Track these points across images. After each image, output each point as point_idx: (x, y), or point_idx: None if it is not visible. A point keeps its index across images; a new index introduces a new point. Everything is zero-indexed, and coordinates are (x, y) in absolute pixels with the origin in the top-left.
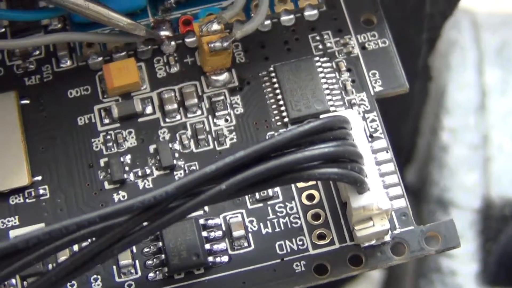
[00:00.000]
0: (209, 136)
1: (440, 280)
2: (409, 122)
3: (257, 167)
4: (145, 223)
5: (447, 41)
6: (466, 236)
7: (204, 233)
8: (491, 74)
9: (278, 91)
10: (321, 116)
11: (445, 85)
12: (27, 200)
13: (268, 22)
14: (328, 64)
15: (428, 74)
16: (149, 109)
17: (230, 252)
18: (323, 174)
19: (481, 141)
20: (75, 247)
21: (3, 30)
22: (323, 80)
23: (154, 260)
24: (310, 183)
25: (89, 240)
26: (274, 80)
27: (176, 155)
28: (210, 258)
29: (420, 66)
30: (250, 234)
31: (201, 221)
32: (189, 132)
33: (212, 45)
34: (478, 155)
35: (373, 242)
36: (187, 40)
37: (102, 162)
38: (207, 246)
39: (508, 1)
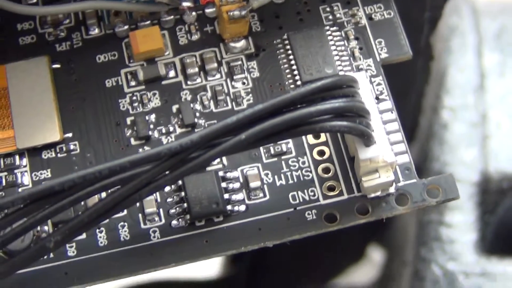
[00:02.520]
0: (228, 98)
1: (440, 247)
2: (411, 100)
3: (274, 119)
4: (169, 171)
5: (448, 27)
6: (466, 208)
7: (223, 184)
8: (490, 57)
9: (291, 57)
10: None
11: (446, 67)
12: (59, 155)
13: None
14: (338, 33)
15: (430, 53)
16: (172, 73)
17: (247, 201)
18: (334, 127)
19: (480, 120)
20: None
21: (34, 0)
22: (333, 48)
23: (177, 208)
24: (321, 139)
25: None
26: (288, 47)
27: (197, 114)
28: (229, 207)
29: (423, 44)
30: (265, 186)
31: (220, 174)
32: (209, 94)
33: (231, 13)
34: (477, 133)
35: (378, 193)
36: (207, 10)
37: (128, 120)
38: (226, 196)
39: None
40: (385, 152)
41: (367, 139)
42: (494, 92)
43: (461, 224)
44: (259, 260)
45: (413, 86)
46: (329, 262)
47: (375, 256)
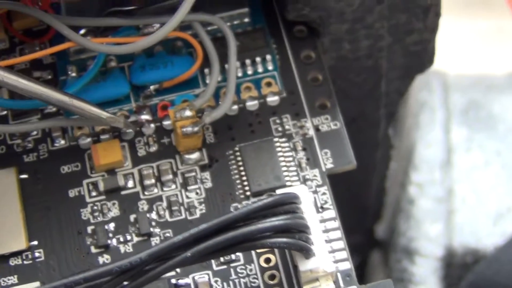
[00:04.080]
0: (182, 208)
1: None
2: (374, 184)
3: (218, 238)
4: (125, 282)
5: (418, 101)
6: (430, 282)
7: None
8: (457, 132)
9: (242, 168)
10: (276, 191)
11: (414, 143)
12: (25, 262)
13: (235, 107)
14: (286, 144)
15: (389, 142)
16: (130, 183)
17: None
18: (274, 243)
19: (446, 195)
20: None
21: (4, 113)
22: (281, 159)
23: None
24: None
25: None
26: (239, 158)
27: (153, 223)
28: None
29: (380, 137)
30: None
31: (173, 281)
32: (164, 204)
33: (184, 129)
34: (443, 208)
35: None
36: (165, 123)
37: (89, 229)
38: None
39: (478, 63)
40: (324, 263)
41: (306, 253)
42: (460, 167)
43: None
44: None
45: (375, 172)
46: None
47: None
